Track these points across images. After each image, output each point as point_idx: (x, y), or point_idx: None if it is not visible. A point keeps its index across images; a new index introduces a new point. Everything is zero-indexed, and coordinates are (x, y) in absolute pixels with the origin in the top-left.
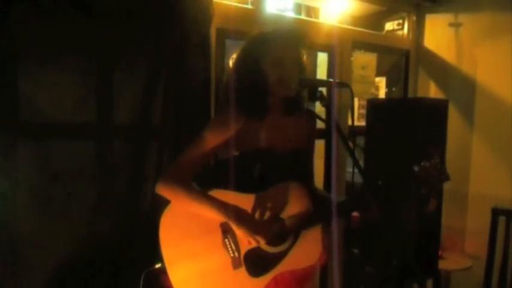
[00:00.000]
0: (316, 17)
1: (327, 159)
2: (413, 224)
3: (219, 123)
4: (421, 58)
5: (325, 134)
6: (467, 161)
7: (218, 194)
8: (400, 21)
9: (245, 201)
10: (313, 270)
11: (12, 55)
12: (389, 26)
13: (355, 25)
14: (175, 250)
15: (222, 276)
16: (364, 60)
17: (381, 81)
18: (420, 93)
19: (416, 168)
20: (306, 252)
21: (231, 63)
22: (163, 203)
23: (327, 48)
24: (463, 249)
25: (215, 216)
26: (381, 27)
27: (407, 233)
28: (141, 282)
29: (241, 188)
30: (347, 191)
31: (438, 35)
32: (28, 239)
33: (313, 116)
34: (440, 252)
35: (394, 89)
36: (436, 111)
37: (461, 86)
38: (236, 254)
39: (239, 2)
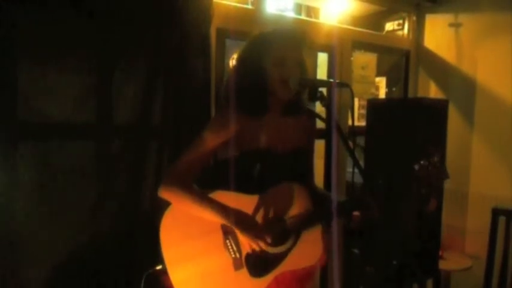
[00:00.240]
0: (316, 17)
1: (327, 159)
2: (413, 223)
3: (219, 123)
4: (421, 58)
5: (325, 134)
6: (467, 161)
7: (220, 195)
8: (400, 21)
9: (247, 202)
10: (314, 270)
11: (12, 55)
12: (389, 26)
13: (355, 25)
14: (176, 251)
15: (223, 277)
16: (364, 60)
17: (381, 81)
18: (420, 93)
19: (416, 167)
20: (307, 252)
21: (231, 63)
22: (163, 204)
23: (327, 49)
24: (463, 249)
25: (218, 221)
26: (381, 27)
27: (407, 233)
28: (142, 284)
29: (241, 188)
30: (347, 191)
31: (438, 35)
32: (28, 238)
33: (313, 116)
34: (440, 252)
35: (394, 89)
36: (436, 111)
37: (461, 86)
38: (237, 255)
39: (239, 2)
